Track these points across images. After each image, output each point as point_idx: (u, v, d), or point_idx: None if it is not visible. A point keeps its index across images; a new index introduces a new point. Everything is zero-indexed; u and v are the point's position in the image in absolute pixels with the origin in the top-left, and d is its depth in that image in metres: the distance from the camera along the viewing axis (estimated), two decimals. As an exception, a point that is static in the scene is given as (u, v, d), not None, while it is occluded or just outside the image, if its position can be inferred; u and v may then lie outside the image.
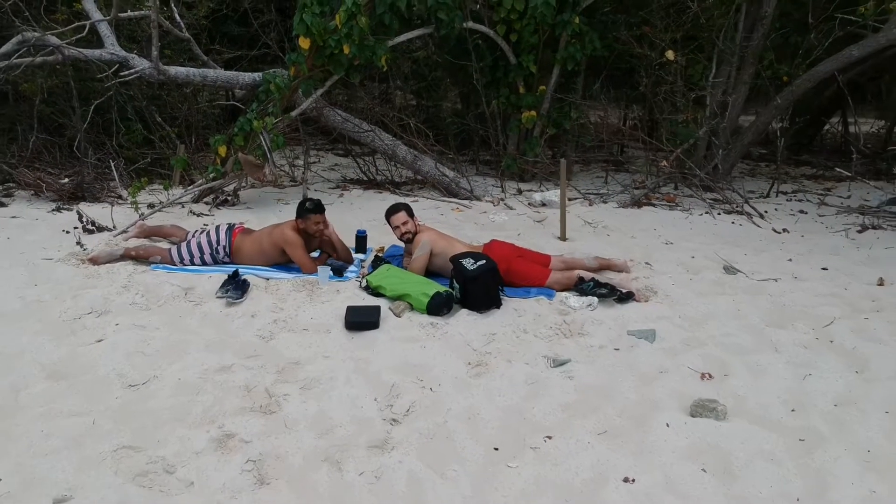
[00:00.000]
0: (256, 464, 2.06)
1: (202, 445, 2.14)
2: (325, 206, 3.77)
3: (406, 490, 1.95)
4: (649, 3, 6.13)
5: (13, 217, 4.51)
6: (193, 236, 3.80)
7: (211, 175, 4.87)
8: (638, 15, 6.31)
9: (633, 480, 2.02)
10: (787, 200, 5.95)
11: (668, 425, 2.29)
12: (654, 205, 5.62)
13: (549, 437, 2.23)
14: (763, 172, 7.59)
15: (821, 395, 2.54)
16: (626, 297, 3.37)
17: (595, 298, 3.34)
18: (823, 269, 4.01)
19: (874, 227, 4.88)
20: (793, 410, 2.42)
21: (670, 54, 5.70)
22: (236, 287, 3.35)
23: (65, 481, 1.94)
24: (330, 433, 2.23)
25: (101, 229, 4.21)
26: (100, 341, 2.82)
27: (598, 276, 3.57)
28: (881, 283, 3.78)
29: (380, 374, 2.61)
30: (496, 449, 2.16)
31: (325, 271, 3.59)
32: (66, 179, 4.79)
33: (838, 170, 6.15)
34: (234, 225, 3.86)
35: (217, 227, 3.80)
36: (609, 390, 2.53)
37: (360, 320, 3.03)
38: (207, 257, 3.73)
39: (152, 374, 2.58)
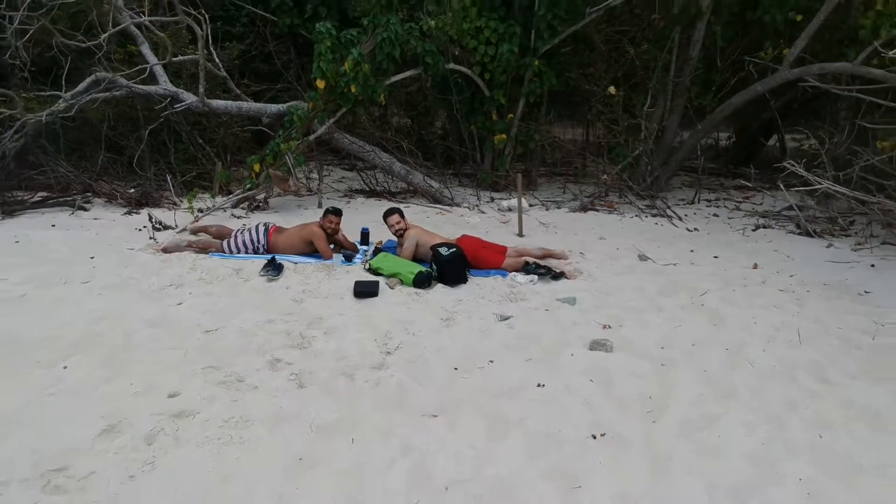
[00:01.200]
0: (297, 376, 2.89)
1: (260, 366, 2.97)
2: (341, 212, 4.64)
3: (396, 391, 2.78)
4: (595, 48, 7.00)
5: (95, 219, 5.33)
6: (240, 233, 4.65)
7: (247, 186, 5.70)
8: (587, 57, 7.18)
9: (544, 385, 2.87)
10: (707, 206, 6.80)
11: (572, 355, 3.13)
12: (597, 210, 6.46)
13: (492, 362, 3.07)
14: (703, 183, 8.49)
15: (684, 339, 3.38)
16: (558, 276, 4.22)
17: (536, 276, 4.20)
18: (715, 257, 4.87)
19: (765, 227, 5.74)
20: (662, 348, 3.27)
21: (612, 90, 6.56)
22: (274, 269, 4.19)
23: (173, 387, 2.77)
24: (345, 359, 3.06)
25: (165, 227, 5.04)
26: (180, 304, 3.64)
27: (540, 262, 4.43)
28: (755, 266, 4.64)
29: (378, 325, 3.45)
30: (455, 369, 3.00)
31: (338, 258, 4.45)
32: (133, 189, 5.62)
33: (740, 180, 7.03)
34: (268, 225, 4.71)
35: (256, 226, 4.64)
36: (537, 335, 3.37)
37: (365, 290, 3.87)
38: (250, 249, 4.58)
39: (220, 324, 3.41)
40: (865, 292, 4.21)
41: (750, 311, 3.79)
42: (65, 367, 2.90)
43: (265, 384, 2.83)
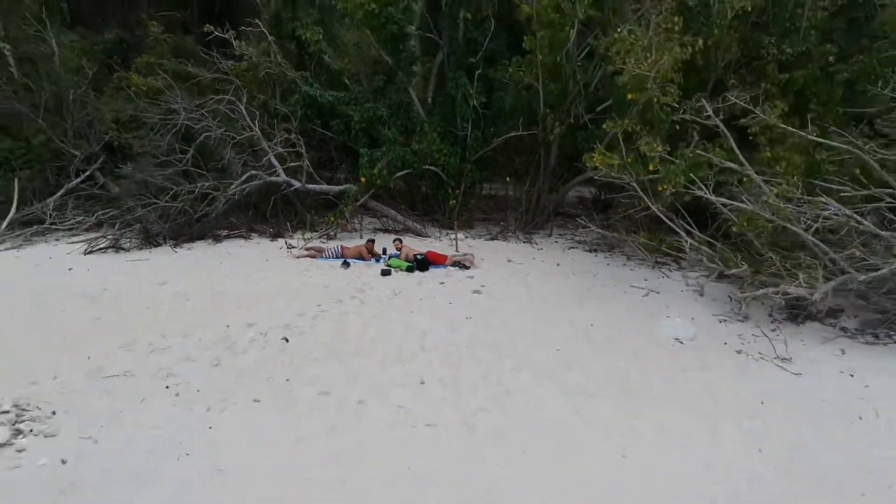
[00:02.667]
0: (361, 301, 7.63)
1: (347, 298, 7.71)
2: (374, 240, 9.44)
3: (400, 303, 7.54)
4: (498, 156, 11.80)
5: (257, 243, 10.08)
6: (328, 249, 9.41)
7: (328, 228, 10.44)
8: (499, 158, 11.95)
9: (452, 303, 7.60)
10: (556, 238, 11.53)
11: (472, 292, 7.89)
12: (498, 240, 11.21)
13: (434, 298, 7.83)
14: (563, 224, 13.17)
15: (514, 295, 8.12)
16: (467, 268, 8.97)
17: (457, 267, 8.97)
18: (557, 264, 9.57)
19: (574, 248, 10.48)
20: (503, 297, 8.01)
21: (508, 178, 11.33)
22: (345, 264, 8.94)
23: (326, 304, 7.51)
24: (379, 303, 7.76)
25: (292, 247, 9.79)
26: (310, 277, 8.39)
27: (461, 261, 9.18)
28: (558, 265, 9.37)
29: (392, 286, 8.18)
30: (420, 299, 7.74)
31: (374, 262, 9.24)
32: (271, 229, 10.35)
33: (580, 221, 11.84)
34: (340, 245, 9.46)
35: (336, 246, 9.41)
36: (453, 289, 8.13)
37: (385, 272, 8.62)
38: (333, 257, 9.34)
39: (329, 283, 8.16)
40: (595, 275, 8.97)
41: (557, 280, 8.55)
42: (284, 338, 7.64)
43: (351, 304, 7.54)
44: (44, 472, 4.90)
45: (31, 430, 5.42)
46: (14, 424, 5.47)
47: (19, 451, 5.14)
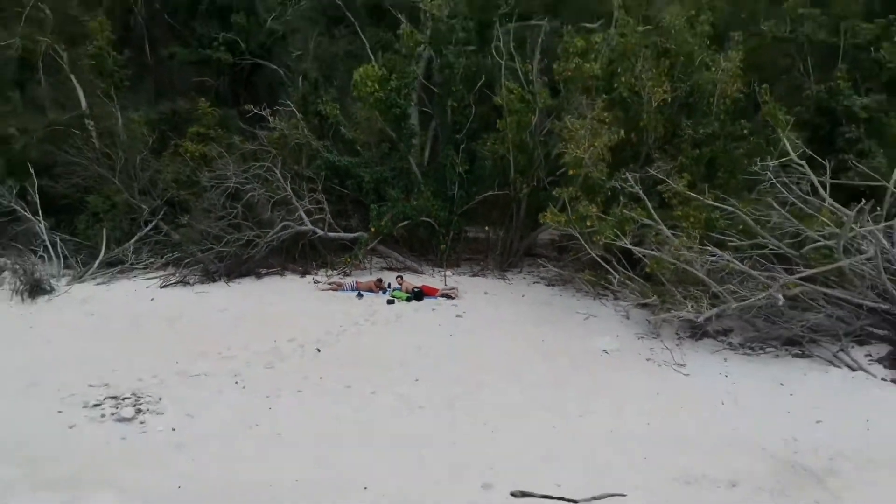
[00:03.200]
0: (373, 323, 9.88)
1: (362, 320, 9.97)
2: (381, 278, 11.71)
3: (406, 324, 9.79)
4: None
5: (290, 279, 12.34)
6: (347, 283, 11.66)
7: (345, 267, 12.69)
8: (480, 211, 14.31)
9: (441, 325, 9.84)
10: (527, 275, 13.69)
11: (456, 316, 10.13)
12: (485, 276, 13.43)
13: (418, 313, 10.08)
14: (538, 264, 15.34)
15: (503, 314, 10.36)
16: (452, 298, 11.21)
17: (445, 298, 11.22)
18: (523, 295, 11.78)
19: (537, 283, 12.70)
20: (479, 318, 10.25)
21: (487, 228, 13.63)
22: (360, 296, 11.20)
23: (340, 321, 9.76)
24: (385, 324, 9.93)
25: (318, 282, 12.04)
26: (333, 305, 10.63)
27: (448, 293, 11.43)
28: (523, 295, 11.60)
29: (395, 312, 10.39)
30: (415, 310, 10.01)
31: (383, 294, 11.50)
32: (301, 268, 12.62)
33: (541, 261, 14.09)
34: (355, 281, 11.72)
35: (353, 281, 11.67)
36: (439, 311, 10.38)
37: (390, 301, 10.88)
38: (349, 290, 11.59)
39: (346, 311, 10.39)
40: (550, 304, 11.21)
41: (521, 307, 10.77)
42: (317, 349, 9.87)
43: (364, 325, 9.76)
44: (161, 436, 7.07)
45: (147, 410, 7.61)
46: (135, 406, 7.66)
47: (142, 422, 7.32)
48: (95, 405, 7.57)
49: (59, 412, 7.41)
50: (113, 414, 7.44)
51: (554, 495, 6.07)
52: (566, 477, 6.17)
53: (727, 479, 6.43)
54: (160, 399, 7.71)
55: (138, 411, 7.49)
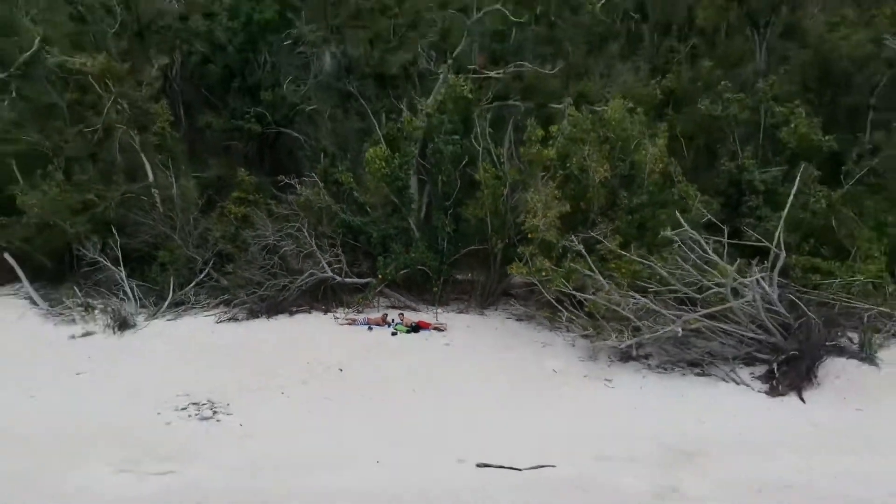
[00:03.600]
0: (380, 350, 12.74)
1: (370, 347, 12.83)
2: (387, 314, 14.60)
3: (407, 351, 12.65)
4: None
5: (316, 317, 15.16)
6: (360, 319, 14.52)
7: (358, 306, 15.54)
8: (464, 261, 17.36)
9: (441, 357, 12.69)
10: (502, 312, 16.51)
11: (445, 345, 13.00)
12: (468, 313, 16.26)
13: (413, 342, 12.94)
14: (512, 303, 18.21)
15: (480, 342, 13.22)
16: (442, 331, 14.05)
17: (436, 331, 14.07)
18: (496, 328, 14.66)
19: (513, 321, 15.57)
20: (474, 345, 13.12)
21: (469, 275, 16.59)
22: (370, 329, 14.06)
23: (358, 350, 12.61)
24: (389, 350, 12.79)
25: (337, 317, 14.87)
26: (350, 336, 13.46)
27: (438, 326, 14.28)
28: (496, 328, 14.44)
29: (398, 341, 13.20)
30: (413, 339, 12.87)
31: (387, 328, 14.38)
32: (323, 307, 15.47)
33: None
34: (366, 316, 14.58)
35: (365, 317, 14.52)
36: (433, 341, 13.25)
37: (393, 333, 13.72)
38: (364, 324, 14.46)
39: (360, 340, 13.24)
40: (517, 334, 14.06)
41: (495, 337, 13.62)
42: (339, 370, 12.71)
43: (375, 350, 12.61)
44: (233, 429, 9.88)
45: (221, 411, 10.42)
46: (212, 409, 10.47)
47: (218, 420, 10.14)
48: (183, 409, 10.37)
49: (158, 413, 10.19)
50: (196, 414, 10.24)
51: (506, 465, 8.87)
52: (516, 454, 8.93)
53: (629, 457, 9.20)
54: (228, 404, 10.52)
55: (214, 412, 10.29)
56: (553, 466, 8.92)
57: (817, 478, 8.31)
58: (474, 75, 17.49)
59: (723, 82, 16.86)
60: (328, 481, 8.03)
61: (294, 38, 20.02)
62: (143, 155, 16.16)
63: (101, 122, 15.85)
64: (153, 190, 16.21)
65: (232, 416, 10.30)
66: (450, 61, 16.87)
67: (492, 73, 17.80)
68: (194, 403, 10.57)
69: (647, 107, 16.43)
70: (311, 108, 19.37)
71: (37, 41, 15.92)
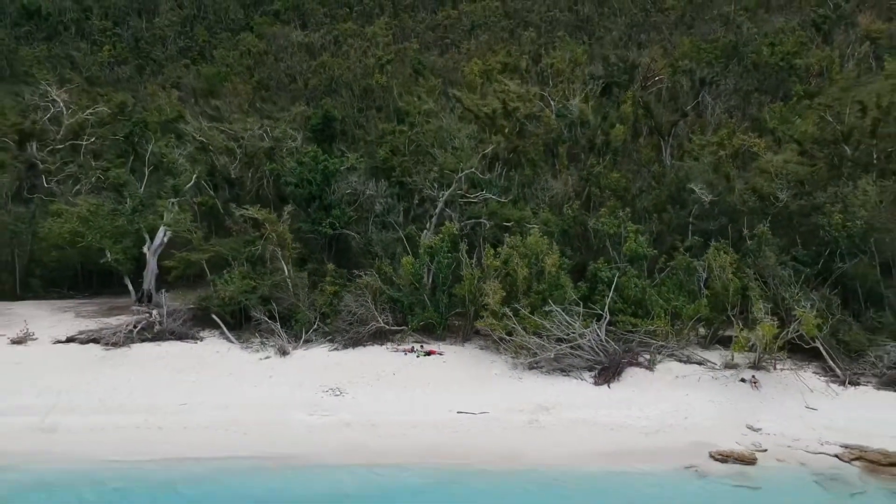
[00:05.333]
0: (412, 363, 23.42)
1: (407, 363, 23.45)
2: (414, 345, 25.29)
3: (426, 370, 23.34)
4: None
5: (376, 348, 25.60)
6: (402, 349, 25.06)
7: (398, 342, 26.08)
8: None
9: (437, 367, 23.31)
10: (475, 344, 26.90)
11: (443, 362, 23.57)
12: (454, 345, 26.64)
13: (419, 360, 23.55)
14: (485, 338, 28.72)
15: (461, 359, 23.78)
16: (441, 354, 24.59)
17: (438, 354, 24.57)
18: (469, 354, 25.12)
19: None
20: (458, 360, 23.68)
21: (457, 323, 27.11)
22: (405, 353, 24.62)
23: (397, 368, 23.31)
24: (417, 363, 23.76)
25: (396, 348, 25.39)
26: (397, 356, 24.02)
27: (439, 352, 24.78)
28: (469, 353, 24.87)
29: (420, 360, 24.14)
30: (417, 358, 23.49)
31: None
32: (379, 342, 25.95)
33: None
34: (404, 347, 25.12)
35: (404, 348, 25.10)
36: (438, 362, 23.84)
37: (418, 356, 24.45)
38: (405, 353, 25.02)
39: (403, 358, 23.83)
40: (482, 355, 24.60)
41: (469, 357, 24.19)
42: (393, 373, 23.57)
43: (410, 364, 23.30)
44: (349, 399, 20.82)
45: (341, 391, 21.49)
46: (338, 391, 21.41)
47: (341, 395, 20.97)
48: (325, 391, 22.16)
49: (315, 393, 20.87)
50: (331, 392, 21.33)
51: (469, 412, 19.48)
52: (473, 408, 19.98)
53: (520, 409, 20.19)
54: (344, 389, 21.82)
55: (339, 392, 21.15)
56: (487, 412, 19.42)
57: (591, 416, 18.95)
58: (461, 199, 28.48)
59: (603, 209, 27.67)
60: (394, 418, 18.77)
61: (348, 173, 31.03)
62: (282, 261, 26.91)
63: (262, 242, 26.63)
64: (287, 279, 26.90)
65: (348, 394, 21.46)
66: (442, 201, 27.95)
67: (471, 197, 28.69)
68: (329, 388, 21.38)
69: (556, 227, 27.08)
70: (362, 216, 30.53)
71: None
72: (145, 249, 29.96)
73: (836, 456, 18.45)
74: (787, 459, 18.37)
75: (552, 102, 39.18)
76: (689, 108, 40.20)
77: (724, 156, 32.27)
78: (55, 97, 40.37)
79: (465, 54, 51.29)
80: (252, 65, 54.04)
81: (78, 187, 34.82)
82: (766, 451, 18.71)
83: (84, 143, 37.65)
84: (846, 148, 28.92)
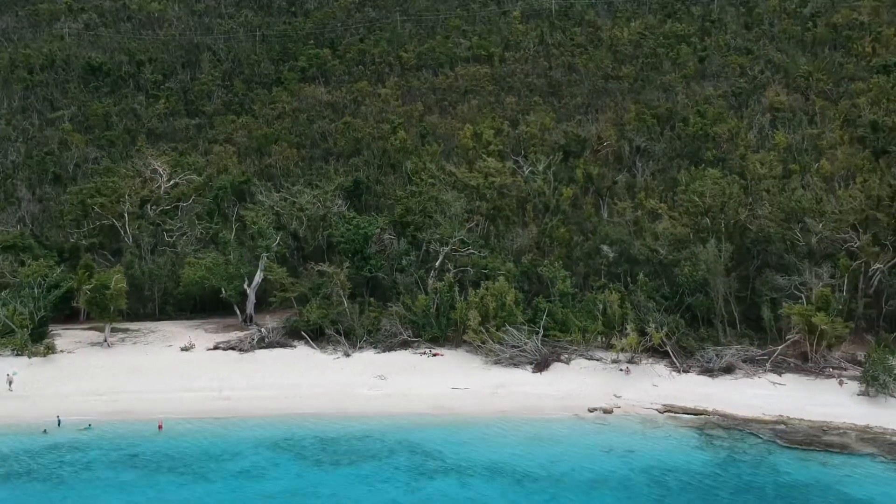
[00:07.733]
0: (428, 361, 41.95)
1: (424, 360, 42.03)
2: (426, 351, 43.79)
3: (434, 365, 41.95)
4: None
5: (405, 352, 43.91)
6: (423, 353, 43.50)
7: (417, 349, 44.30)
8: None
9: (437, 363, 41.86)
10: (465, 350, 45.01)
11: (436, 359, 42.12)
12: (451, 350, 44.80)
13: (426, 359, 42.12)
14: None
15: (455, 359, 42.27)
16: (442, 356, 42.94)
17: (440, 356, 43.01)
18: (460, 356, 43.39)
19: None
20: (452, 358, 42.17)
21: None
22: (423, 355, 43.06)
23: (415, 365, 41.85)
24: (429, 361, 42.11)
25: (422, 353, 43.71)
26: (419, 357, 42.43)
27: (442, 355, 43.12)
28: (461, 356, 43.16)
29: (430, 359, 42.54)
30: (427, 359, 42.06)
31: (426, 354, 43.61)
32: (406, 349, 44.13)
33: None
34: (423, 352, 43.53)
35: (423, 352, 43.52)
36: (446, 362, 42.37)
37: (428, 357, 42.81)
38: (424, 355, 43.49)
39: (419, 359, 42.33)
40: (460, 356, 43.08)
41: (461, 358, 42.70)
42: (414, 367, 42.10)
43: (427, 362, 41.85)
44: (391, 382, 39.97)
45: (386, 377, 40.33)
46: (384, 377, 40.21)
47: (386, 379, 39.80)
48: (376, 377, 40.76)
49: (372, 378, 39.86)
50: (381, 377, 40.00)
51: (458, 388, 38.25)
52: (460, 386, 38.67)
53: (483, 386, 38.74)
54: (387, 376, 40.36)
55: (384, 378, 40.19)
56: (468, 388, 38.27)
57: (528, 390, 37.67)
58: (454, 252, 46.87)
59: (549, 258, 45.97)
60: (416, 391, 37.66)
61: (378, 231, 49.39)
62: (343, 297, 45.31)
63: (330, 284, 45.13)
64: (346, 308, 45.23)
65: (390, 378, 40.02)
66: (442, 255, 46.24)
67: (461, 253, 46.98)
68: (377, 375, 40.37)
69: (515, 273, 45.52)
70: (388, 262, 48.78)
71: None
72: (246, 286, 48.12)
73: (656, 410, 37.07)
74: (629, 412, 36.78)
75: (525, 168, 57.33)
76: (622, 172, 58.26)
77: (640, 215, 50.47)
78: (157, 167, 58.66)
79: (460, 118, 68.58)
80: (290, 126, 70.83)
81: (184, 239, 52.95)
82: (619, 407, 37.12)
83: (185, 204, 55.93)
84: (707, 219, 46.93)
